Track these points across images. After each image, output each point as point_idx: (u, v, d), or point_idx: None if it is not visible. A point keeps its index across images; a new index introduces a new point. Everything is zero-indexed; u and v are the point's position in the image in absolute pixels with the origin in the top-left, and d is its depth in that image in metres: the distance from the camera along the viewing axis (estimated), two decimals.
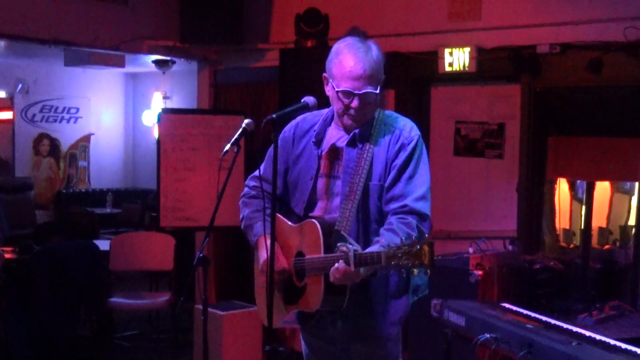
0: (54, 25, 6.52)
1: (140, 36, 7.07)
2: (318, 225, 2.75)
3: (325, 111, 2.95)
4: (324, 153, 2.91)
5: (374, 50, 2.81)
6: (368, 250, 2.58)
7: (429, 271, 2.46)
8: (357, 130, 2.85)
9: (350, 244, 2.57)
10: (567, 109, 5.48)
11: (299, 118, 2.99)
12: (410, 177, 2.79)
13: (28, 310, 5.61)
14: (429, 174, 2.86)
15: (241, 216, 3.06)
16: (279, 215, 2.96)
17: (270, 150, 3.02)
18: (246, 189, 3.09)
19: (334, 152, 2.89)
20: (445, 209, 6.24)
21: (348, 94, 2.77)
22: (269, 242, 2.74)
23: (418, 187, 2.78)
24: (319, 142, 2.93)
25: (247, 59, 7.35)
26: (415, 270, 2.42)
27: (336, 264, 2.57)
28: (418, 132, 2.88)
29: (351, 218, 2.76)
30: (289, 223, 2.92)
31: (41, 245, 6.16)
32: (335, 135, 2.92)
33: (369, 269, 2.59)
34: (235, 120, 6.56)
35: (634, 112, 5.11)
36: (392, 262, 2.43)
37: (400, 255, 2.41)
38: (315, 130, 2.94)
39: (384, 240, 2.56)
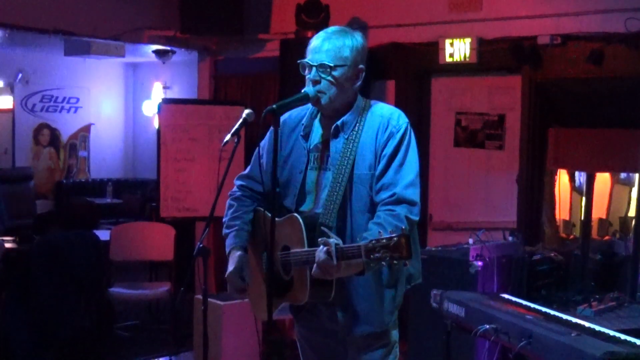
0: (54, 15, 6.50)
1: (140, 26, 7.06)
2: (300, 220, 2.75)
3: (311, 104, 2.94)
4: (312, 146, 2.91)
5: (349, 37, 2.80)
6: (351, 244, 2.59)
7: (407, 262, 2.47)
8: (339, 122, 2.84)
9: (331, 237, 2.57)
10: (567, 100, 5.47)
11: (285, 115, 2.96)
12: (400, 165, 2.78)
13: (28, 300, 5.61)
14: (418, 161, 2.85)
15: (223, 219, 3.05)
16: (262, 210, 2.98)
17: (259, 150, 3.02)
18: (234, 188, 3.08)
19: (322, 144, 2.89)
20: (446, 200, 6.25)
21: (305, 65, 2.80)
22: (236, 254, 2.88)
23: (407, 175, 2.77)
24: (307, 136, 2.93)
25: (247, 50, 7.34)
26: (396, 262, 2.43)
27: (316, 259, 2.56)
28: (406, 120, 2.86)
29: (335, 209, 2.76)
30: (268, 214, 2.90)
31: (41, 235, 6.16)
32: (322, 127, 2.92)
33: (353, 266, 2.59)
34: (236, 111, 6.55)
35: (634, 103, 5.10)
36: (372, 256, 2.44)
37: (378, 248, 2.43)
38: (303, 124, 2.94)
39: (369, 235, 2.57)
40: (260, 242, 2.96)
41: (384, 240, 2.43)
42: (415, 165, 2.82)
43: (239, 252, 2.93)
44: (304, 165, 2.91)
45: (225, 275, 2.93)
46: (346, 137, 2.83)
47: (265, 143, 3.01)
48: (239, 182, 3.08)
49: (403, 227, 2.50)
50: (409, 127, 2.85)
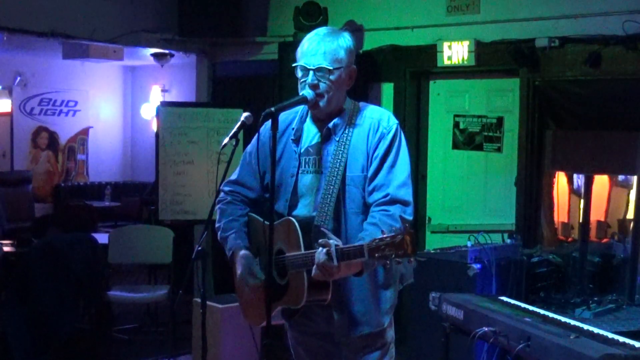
0: (52, 18, 6.50)
1: (138, 29, 7.06)
2: (296, 223, 2.75)
3: (300, 107, 2.93)
4: (303, 150, 2.90)
5: (341, 37, 2.81)
6: (351, 244, 2.59)
7: (412, 260, 2.47)
8: (330, 124, 2.85)
9: (331, 238, 2.57)
10: (566, 102, 5.48)
11: None
12: (392, 166, 2.80)
13: (27, 303, 5.61)
14: (409, 161, 2.87)
15: (217, 225, 3.02)
16: (254, 215, 2.98)
17: (246, 156, 3.04)
18: (222, 194, 3.05)
19: (313, 148, 2.89)
20: (444, 202, 6.25)
21: (302, 70, 2.80)
22: (242, 252, 2.86)
23: (399, 175, 2.79)
24: (297, 140, 2.92)
25: (245, 52, 7.34)
26: (400, 260, 2.43)
27: (316, 261, 2.56)
28: (396, 121, 2.88)
29: (330, 212, 2.76)
30: (265, 222, 2.88)
31: (39, 238, 6.16)
32: (313, 130, 2.91)
33: (352, 267, 2.60)
34: (234, 114, 6.56)
35: (632, 105, 5.11)
36: (376, 255, 2.44)
37: (382, 247, 2.43)
38: (293, 128, 2.93)
39: (367, 235, 2.57)
40: (253, 248, 2.96)
41: (388, 239, 2.43)
42: (407, 166, 2.84)
43: (243, 251, 2.91)
44: (295, 169, 2.90)
45: (237, 278, 2.90)
46: (337, 139, 2.84)
47: (252, 148, 2.99)
48: (227, 188, 3.05)
49: (407, 225, 2.51)
50: (399, 128, 2.87)
